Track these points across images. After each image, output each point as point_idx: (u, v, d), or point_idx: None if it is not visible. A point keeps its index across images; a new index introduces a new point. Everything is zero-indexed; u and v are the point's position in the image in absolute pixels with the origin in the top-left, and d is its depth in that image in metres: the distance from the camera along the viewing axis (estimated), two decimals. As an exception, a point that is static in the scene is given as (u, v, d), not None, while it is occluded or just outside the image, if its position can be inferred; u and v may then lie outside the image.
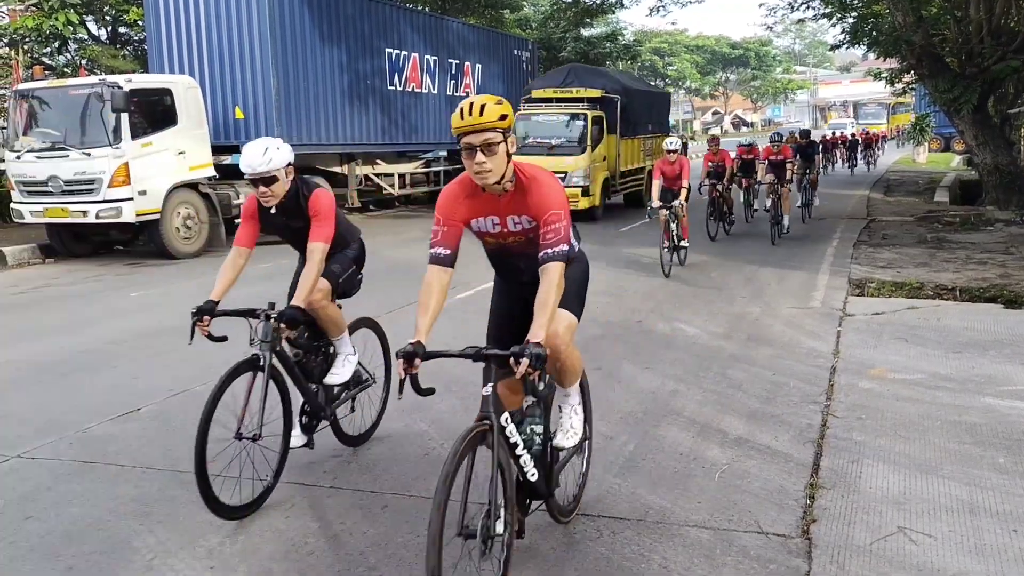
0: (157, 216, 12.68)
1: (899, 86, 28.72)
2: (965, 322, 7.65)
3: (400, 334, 7.73)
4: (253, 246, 4.39)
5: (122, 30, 22.35)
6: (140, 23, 19.06)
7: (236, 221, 14.12)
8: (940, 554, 3.58)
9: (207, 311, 4.10)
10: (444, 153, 20.62)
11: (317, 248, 4.25)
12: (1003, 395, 5.61)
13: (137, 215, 12.42)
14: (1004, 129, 20.39)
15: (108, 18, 21.67)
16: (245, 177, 4.22)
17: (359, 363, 4.87)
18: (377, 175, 18.75)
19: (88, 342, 7.79)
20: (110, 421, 5.51)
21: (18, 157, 12.75)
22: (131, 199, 12.31)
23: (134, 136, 12.40)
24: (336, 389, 4.72)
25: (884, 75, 28.02)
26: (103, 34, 22.40)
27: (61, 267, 12.74)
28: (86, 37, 21.35)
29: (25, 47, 19.46)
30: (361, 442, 4.93)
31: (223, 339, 4.13)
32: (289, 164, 4.24)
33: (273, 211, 4.29)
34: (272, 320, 4.06)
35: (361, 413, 4.98)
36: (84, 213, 12.32)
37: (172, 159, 12.94)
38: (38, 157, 12.53)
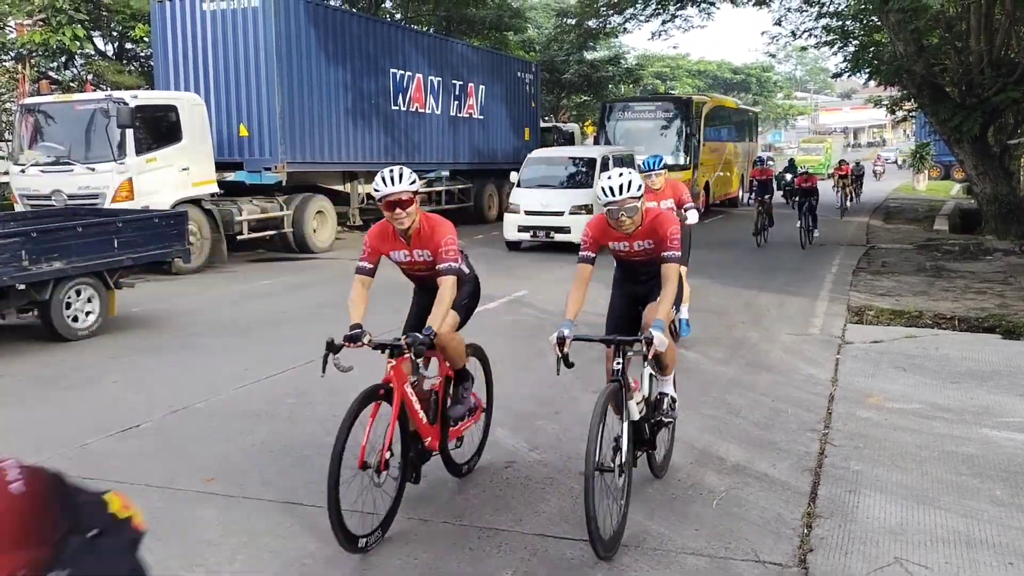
0: (159, 231, 12.71)
1: (900, 113, 28.77)
2: (963, 352, 7.67)
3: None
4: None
5: (128, 46, 22.51)
6: (146, 39, 19.21)
7: (238, 238, 14.33)
8: (937, 586, 3.58)
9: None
10: (447, 173, 20.70)
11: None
12: (1001, 426, 5.62)
13: (139, 230, 12.44)
14: (1003, 159, 20.47)
15: (115, 34, 21.85)
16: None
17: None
18: (379, 194, 18.78)
19: (88, 357, 7.80)
20: (109, 437, 5.52)
21: (23, 171, 12.81)
22: (134, 214, 12.34)
23: (138, 152, 12.47)
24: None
25: (885, 102, 28.20)
26: (109, 50, 22.56)
27: (62, 280, 12.73)
28: (93, 52, 21.49)
29: (32, 61, 19.58)
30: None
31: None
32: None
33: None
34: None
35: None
36: (87, 227, 12.34)
37: (176, 175, 13.00)
38: (42, 171, 12.59)
